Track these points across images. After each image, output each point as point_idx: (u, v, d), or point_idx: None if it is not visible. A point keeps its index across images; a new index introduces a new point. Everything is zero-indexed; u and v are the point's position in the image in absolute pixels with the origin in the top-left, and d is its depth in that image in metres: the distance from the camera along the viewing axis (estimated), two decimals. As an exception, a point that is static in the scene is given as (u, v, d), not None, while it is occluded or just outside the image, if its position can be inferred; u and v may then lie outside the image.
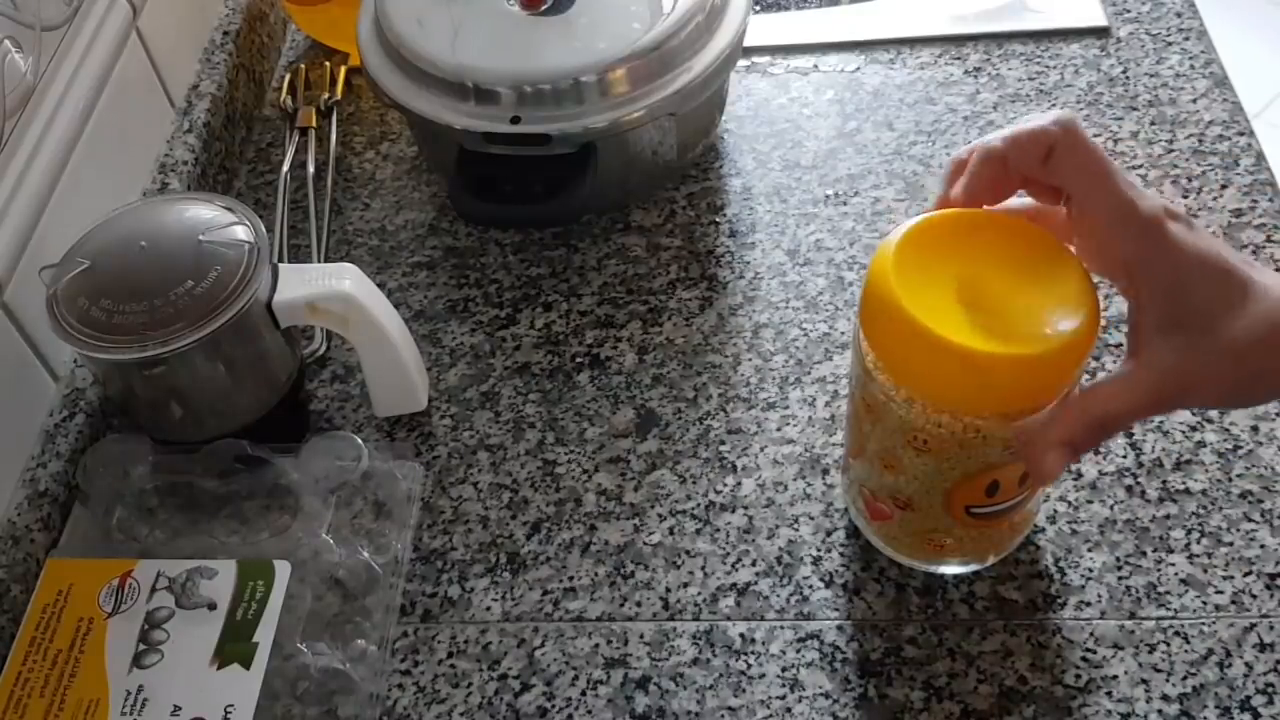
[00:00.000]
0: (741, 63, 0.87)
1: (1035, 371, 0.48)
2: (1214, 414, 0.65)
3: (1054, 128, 0.48)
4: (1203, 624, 0.57)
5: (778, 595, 0.60)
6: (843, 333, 0.71)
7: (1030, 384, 0.48)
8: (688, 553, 0.62)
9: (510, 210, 0.74)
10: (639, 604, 0.61)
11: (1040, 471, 0.49)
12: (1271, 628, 0.57)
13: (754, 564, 0.62)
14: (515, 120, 0.71)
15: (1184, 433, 0.64)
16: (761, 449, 0.66)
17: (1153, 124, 0.80)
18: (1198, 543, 0.60)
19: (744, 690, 0.57)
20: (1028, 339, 0.47)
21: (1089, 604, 0.58)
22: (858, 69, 0.87)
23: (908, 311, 0.47)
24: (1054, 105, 0.82)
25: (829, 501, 0.64)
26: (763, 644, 0.59)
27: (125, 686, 0.56)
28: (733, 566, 0.62)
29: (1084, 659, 0.57)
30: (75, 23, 0.70)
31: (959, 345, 0.47)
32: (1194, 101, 0.81)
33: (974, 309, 0.48)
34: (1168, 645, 0.57)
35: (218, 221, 0.63)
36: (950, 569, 0.59)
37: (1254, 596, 0.58)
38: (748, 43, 0.77)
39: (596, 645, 0.59)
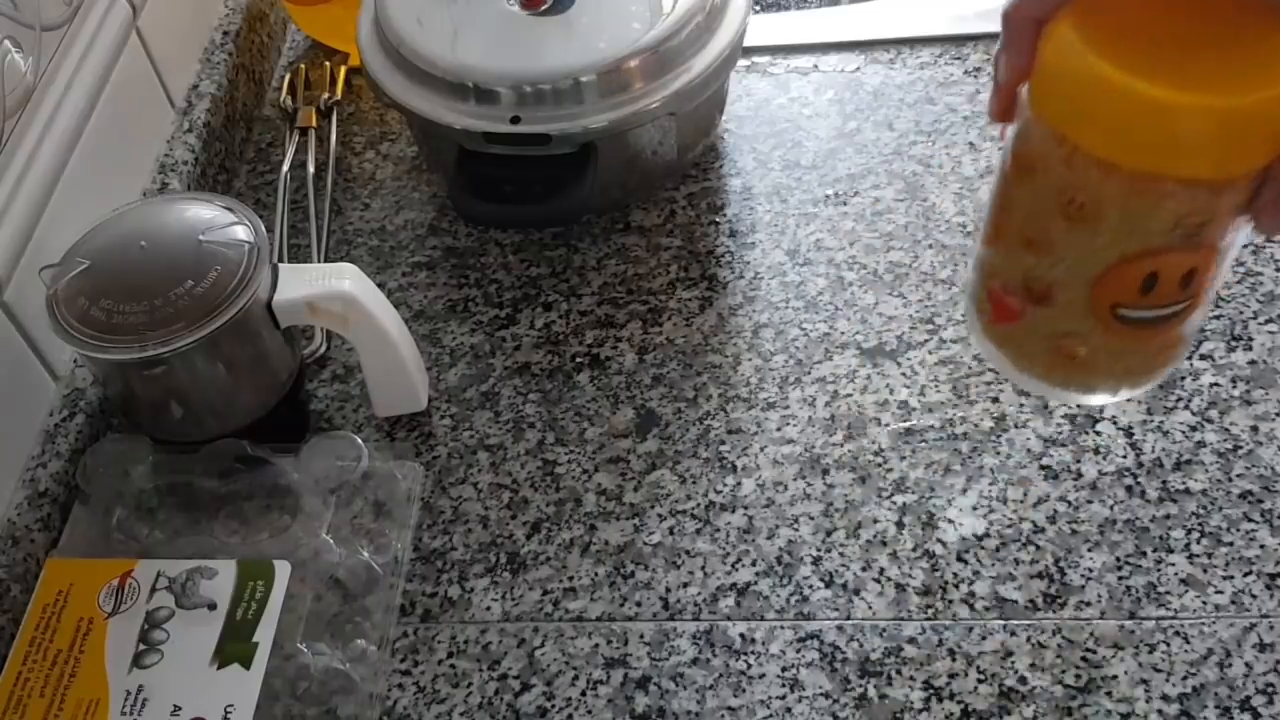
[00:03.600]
0: (741, 63, 0.87)
1: (1226, 127, 0.39)
2: (1214, 414, 0.65)
3: None
4: (1203, 624, 0.57)
5: (778, 595, 0.60)
6: (842, 333, 0.71)
7: (1217, 143, 0.40)
8: (688, 553, 0.62)
9: (510, 210, 0.74)
10: (639, 604, 0.61)
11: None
12: (1271, 628, 0.57)
13: (754, 564, 0.62)
14: (515, 120, 0.71)
15: (1184, 433, 0.64)
16: (761, 449, 0.66)
17: (1153, 124, 0.80)
18: (1198, 543, 0.60)
19: (744, 690, 0.57)
20: (1223, 90, 0.39)
21: (1089, 604, 0.58)
22: (858, 69, 0.87)
23: (1087, 47, 0.40)
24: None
25: (829, 501, 0.64)
26: (763, 644, 0.59)
27: (125, 686, 0.56)
28: (733, 566, 0.62)
29: (1084, 659, 0.57)
30: (75, 23, 0.70)
31: (1143, 87, 0.38)
32: (1194, 101, 0.81)
33: (1163, 51, 0.40)
34: (1168, 645, 0.57)
35: (218, 221, 0.63)
36: (1077, 395, 0.51)
37: (1254, 596, 0.58)
38: (748, 43, 0.77)
39: (596, 645, 0.59)
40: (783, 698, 0.57)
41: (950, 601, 0.59)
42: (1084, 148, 0.41)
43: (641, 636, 0.59)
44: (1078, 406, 0.66)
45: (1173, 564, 0.59)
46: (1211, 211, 0.41)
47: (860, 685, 0.57)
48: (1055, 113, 0.42)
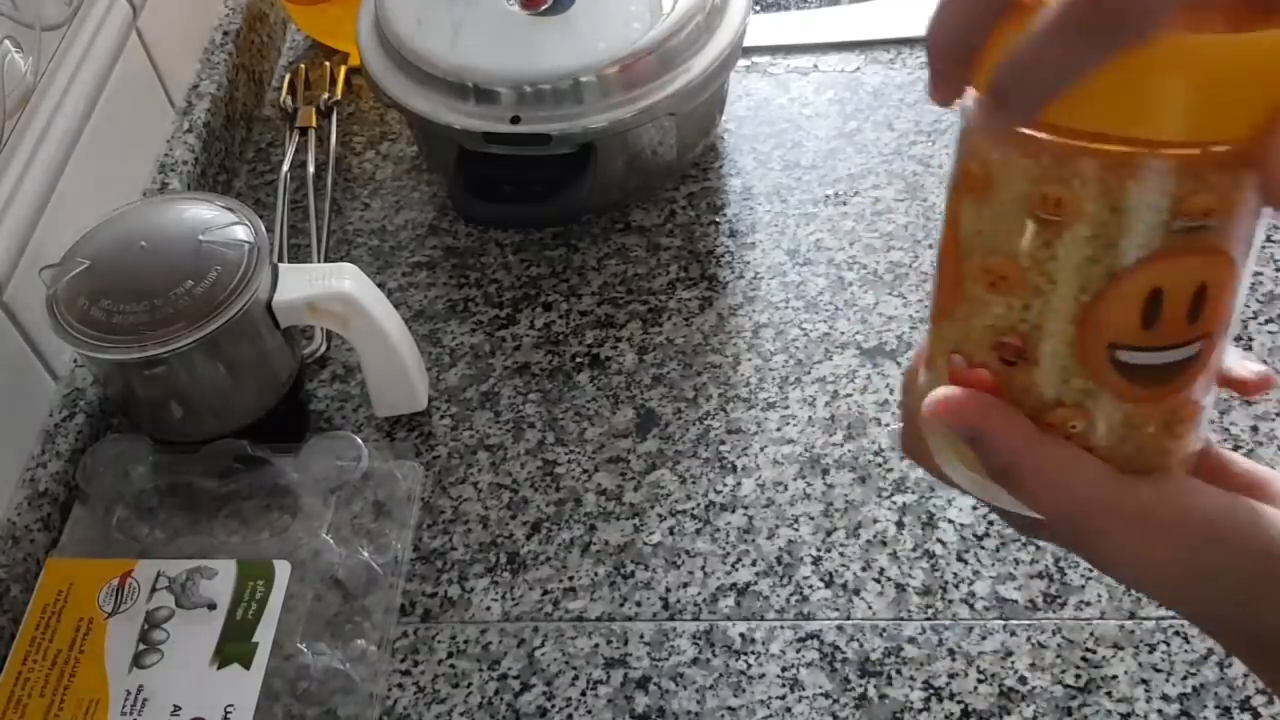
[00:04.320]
0: (741, 63, 0.87)
1: (1238, 67, 0.31)
2: (1214, 414, 0.65)
3: None
4: (1203, 624, 0.57)
5: (778, 595, 0.60)
6: (842, 333, 0.71)
7: (1227, 91, 0.31)
8: (688, 553, 0.62)
9: (510, 210, 0.74)
10: (639, 604, 0.61)
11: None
12: (1271, 628, 0.57)
13: (754, 564, 0.62)
14: (515, 120, 0.71)
15: (1184, 433, 0.64)
16: (761, 449, 0.66)
17: (1153, 124, 0.80)
18: (1198, 543, 0.60)
19: (744, 690, 0.57)
20: (1213, 29, 0.32)
21: (1089, 604, 0.58)
22: (858, 69, 0.87)
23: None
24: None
25: (829, 501, 0.64)
26: (763, 644, 0.59)
27: (125, 686, 0.56)
28: (733, 566, 0.62)
29: (1084, 659, 0.57)
30: (75, 23, 0.70)
31: None
32: (1194, 101, 0.81)
33: None
34: (1168, 645, 0.57)
35: (218, 221, 0.63)
36: None
37: (1254, 596, 0.58)
38: (748, 43, 0.77)
39: (596, 645, 0.59)
40: (783, 698, 0.57)
41: (950, 601, 0.59)
42: (1052, 122, 0.34)
43: (641, 636, 0.59)
44: None
45: (1173, 564, 0.59)
46: (1218, 192, 0.33)
47: (860, 685, 0.57)
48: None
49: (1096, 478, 0.36)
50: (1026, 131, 0.33)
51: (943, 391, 0.37)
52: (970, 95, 0.36)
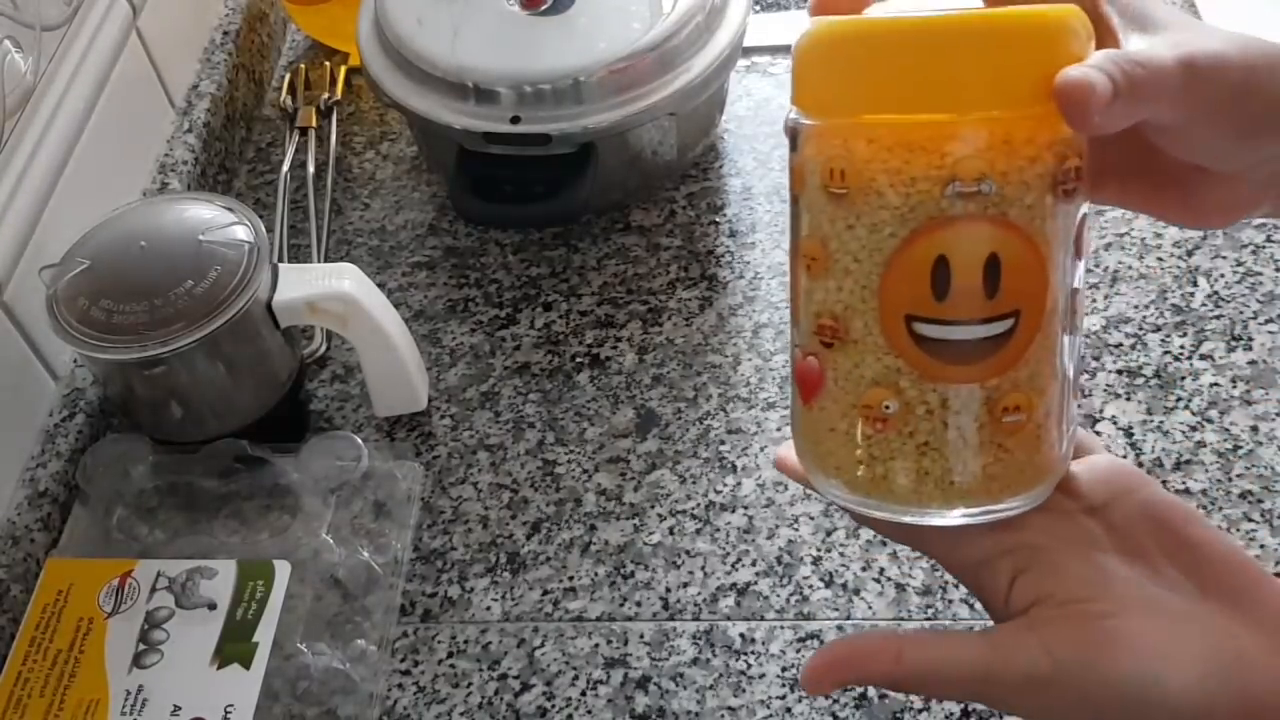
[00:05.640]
0: (741, 63, 0.87)
1: (991, 45, 0.34)
2: (1214, 414, 0.65)
3: None
4: (1203, 624, 0.57)
5: (778, 595, 0.60)
6: (843, 333, 0.71)
7: (986, 65, 0.34)
8: (688, 553, 0.62)
9: (510, 210, 0.74)
10: (639, 604, 0.61)
11: (1070, 86, 0.33)
12: (1271, 628, 0.57)
13: (754, 564, 0.62)
14: (515, 120, 0.71)
15: (1184, 433, 0.64)
16: (761, 449, 0.66)
17: (1153, 124, 0.80)
18: (1198, 543, 0.60)
19: (744, 690, 0.57)
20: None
21: (1089, 604, 0.58)
22: (858, 69, 0.87)
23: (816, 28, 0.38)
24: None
25: (829, 501, 0.63)
26: (763, 644, 0.59)
27: (125, 686, 0.56)
28: (733, 566, 0.62)
29: (1084, 659, 0.57)
30: (75, 23, 0.70)
31: (888, 19, 0.36)
32: (1194, 101, 0.81)
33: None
34: (1168, 645, 0.57)
35: (218, 221, 0.63)
36: (902, 507, 0.39)
37: (1254, 596, 0.58)
38: (748, 43, 0.77)
39: (596, 645, 0.59)
40: (783, 698, 0.57)
41: (950, 601, 0.59)
42: (816, 109, 0.37)
43: (641, 636, 0.60)
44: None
45: (1173, 564, 0.59)
46: (986, 158, 0.34)
47: (860, 685, 0.57)
48: (811, 87, 0.38)
49: (965, 658, 0.37)
50: (814, 123, 0.37)
51: (808, 671, 0.38)
52: (793, 109, 0.38)
